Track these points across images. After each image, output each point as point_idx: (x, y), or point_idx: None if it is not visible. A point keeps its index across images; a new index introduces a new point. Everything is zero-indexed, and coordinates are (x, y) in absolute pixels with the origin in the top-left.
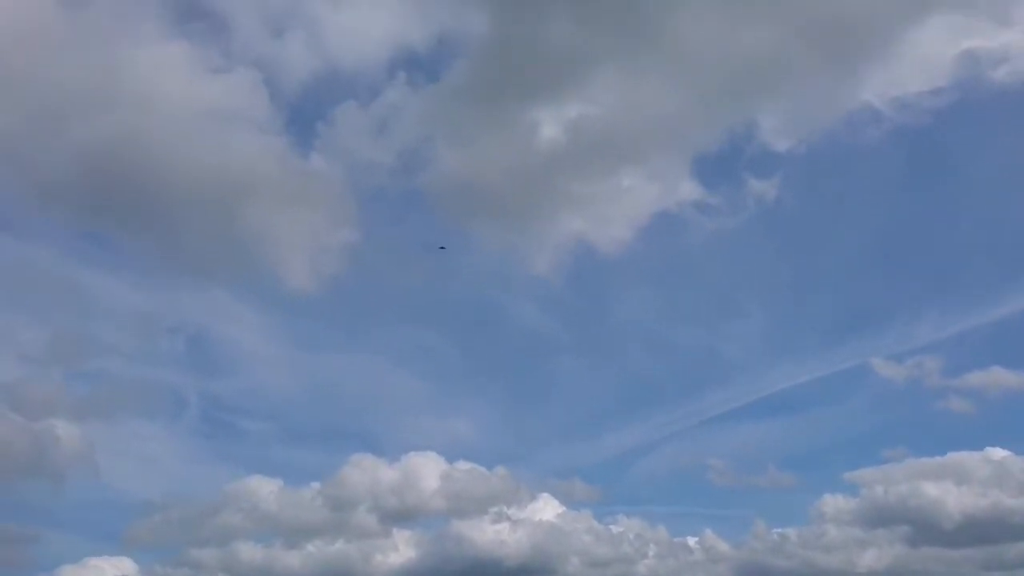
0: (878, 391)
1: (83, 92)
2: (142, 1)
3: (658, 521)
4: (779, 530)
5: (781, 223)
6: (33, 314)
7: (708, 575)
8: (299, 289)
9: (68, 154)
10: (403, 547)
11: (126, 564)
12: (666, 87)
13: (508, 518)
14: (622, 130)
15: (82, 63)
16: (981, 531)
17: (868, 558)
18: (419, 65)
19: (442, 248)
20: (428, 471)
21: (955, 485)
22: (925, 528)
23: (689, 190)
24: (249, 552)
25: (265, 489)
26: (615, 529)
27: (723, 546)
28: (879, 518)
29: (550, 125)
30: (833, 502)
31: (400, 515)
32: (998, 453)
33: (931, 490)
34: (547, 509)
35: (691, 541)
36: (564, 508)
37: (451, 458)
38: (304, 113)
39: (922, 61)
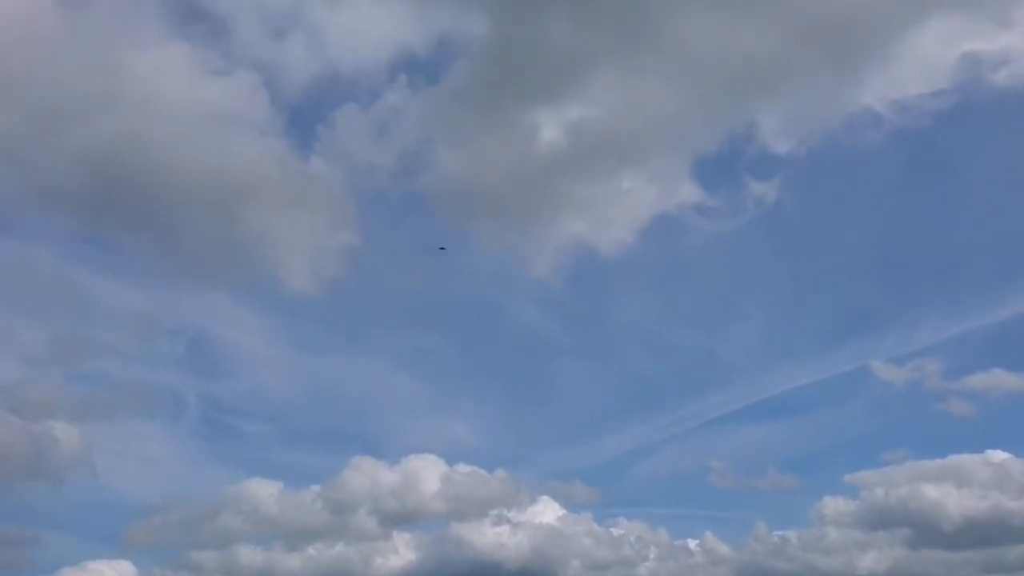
0: (878, 393)
1: (83, 93)
2: (142, 3)
3: (659, 523)
4: (780, 532)
5: (781, 225)
6: (32, 315)
7: None
8: (299, 291)
9: (68, 155)
10: (403, 550)
11: (125, 567)
12: (666, 89)
13: (508, 521)
14: (622, 132)
15: (82, 64)
16: (982, 533)
17: (868, 560)
18: (419, 67)
19: (442, 248)
20: (428, 474)
21: (956, 487)
22: (926, 530)
23: (689, 192)
24: (249, 555)
25: (265, 492)
26: (616, 532)
27: (724, 548)
28: (879, 520)
29: (550, 127)
30: (833, 504)
31: (400, 518)
32: (999, 455)
33: (932, 492)
34: (547, 512)
35: (692, 543)
36: (564, 511)
37: (451, 461)
38: (304, 115)
39: (922, 63)
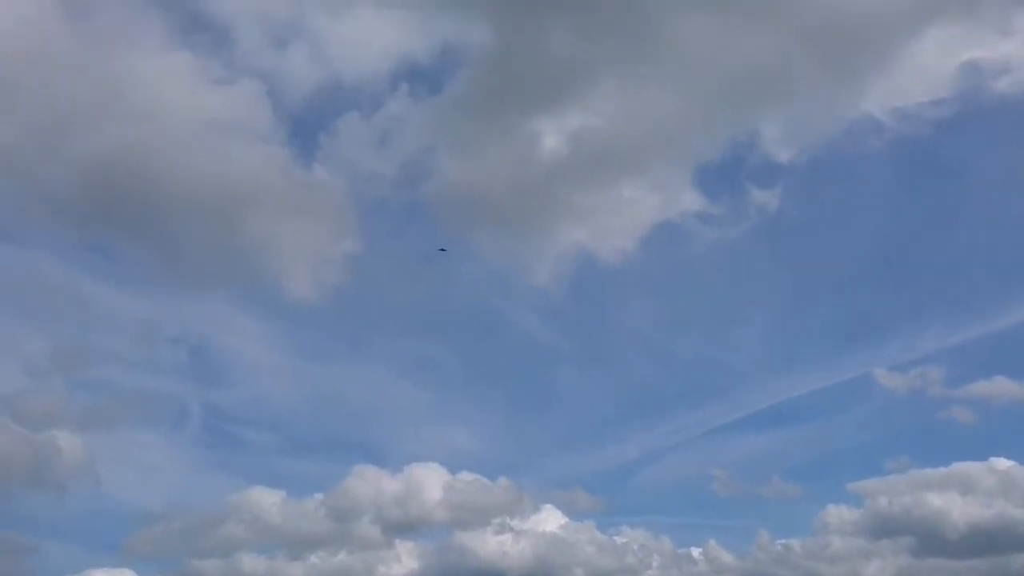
0: (881, 401)
1: (86, 102)
2: (146, 12)
3: (662, 532)
4: (783, 541)
5: (783, 233)
6: (35, 324)
7: None
8: (301, 299)
9: (72, 164)
10: (406, 558)
11: None
12: (667, 97)
13: (511, 529)
14: (623, 140)
15: (85, 74)
16: (986, 541)
17: (872, 569)
18: (421, 76)
19: (442, 250)
20: (431, 482)
21: (959, 495)
22: (930, 539)
23: (691, 200)
24: (251, 563)
25: (267, 500)
26: (619, 540)
27: (727, 557)
28: (883, 529)
29: (551, 136)
30: (837, 513)
31: (403, 526)
32: (1003, 463)
33: (935, 501)
34: (550, 520)
35: (695, 552)
36: (567, 519)
37: (454, 469)
38: (307, 124)
39: (923, 72)
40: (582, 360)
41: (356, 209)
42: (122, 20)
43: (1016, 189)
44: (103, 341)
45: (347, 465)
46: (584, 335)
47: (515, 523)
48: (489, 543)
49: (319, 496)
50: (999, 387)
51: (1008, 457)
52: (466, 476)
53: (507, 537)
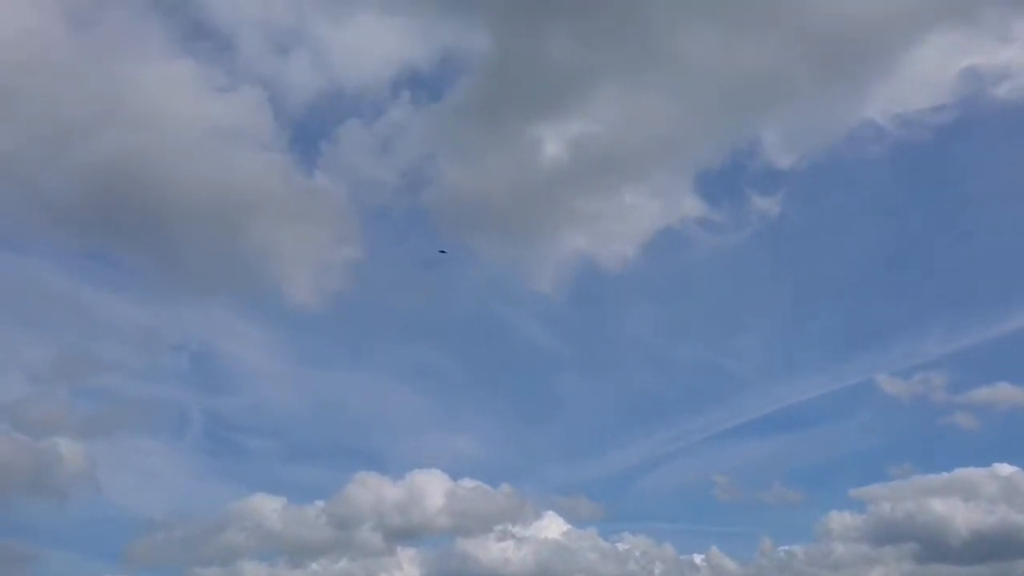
0: (883, 407)
1: (88, 110)
2: (148, 20)
3: (664, 538)
4: (786, 547)
5: (784, 239)
6: (36, 332)
7: None
8: (303, 306)
9: (73, 172)
10: (408, 566)
11: None
12: (668, 104)
13: (513, 536)
14: (624, 147)
15: (87, 81)
16: (989, 547)
17: (876, 575)
18: (422, 84)
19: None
20: (432, 489)
21: (962, 501)
22: (933, 545)
23: (692, 206)
24: (253, 571)
25: (269, 507)
26: (621, 547)
27: (730, 564)
28: (886, 535)
29: (552, 142)
30: (840, 519)
31: (405, 533)
32: (1005, 469)
33: (938, 507)
34: (552, 527)
35: (697, 559)
36: (569, 526)
37: (455, 476)
38: (308, 131)
39: (924, 78)
40: (583, 366)
41: (357, 216)
42: (124, 28)
43: (1017, 194)
44: (104, 348)
45: (348, 472)
46: (585, 341)
47: (517, 530)
48: (491, 550)
49: (320, 503)
50: (1002, 393)
51: (1011, 463)
52: (468, 483)
53: (509, 544)
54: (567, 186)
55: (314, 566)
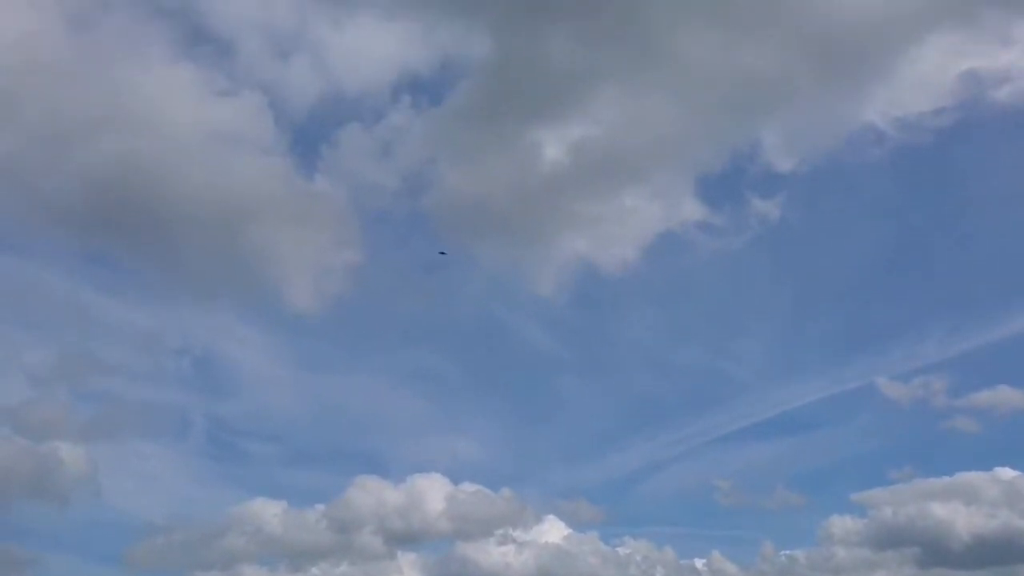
0: (884, 411)
1: (90, 114)
2: (148, 24)
3: (665, 543)
4: (787, 552)
5: (785, 242)
6: (38, 335)
7: None
8: (303, 310)
9: (74, 175)
10: (408, 570)
11: None
12: (668, 107)
13: (514, 540)
14: (625, 150)
15: (89, 85)
16: (991, 552)
17: None
18: (423, 88)
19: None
20: (433, 493)
21: (964, 505)
22: (935, 549)
23: (692, 210)
24: (253, 575)
25: (269, 511)
26: (622, 551)
27: (731, 568)
28: (888, 539)
29: (553, 146)
30: (841, 523)
31: (405, 537)
32: (1007, 473)
33: (940, 511)
34: (553, 531)
35: (699, 563)
36: (570, 530)
37: (456, 480)
38: (308, 135)
39: (924, 81)
40: (584, 370)
41: (358, 220)
42: (125, 31)
43: (1017, 197)
44: (105, 352)
45: (349, 476)
46: (586, 345)
47: (518, 534)
48: (492, 554)
49: (321, 507)
50: (1002, 396)
51: (1013, 467)
52: (468, 487)
53: (510, 548)
54: (567, 189)
55: (314, 570)
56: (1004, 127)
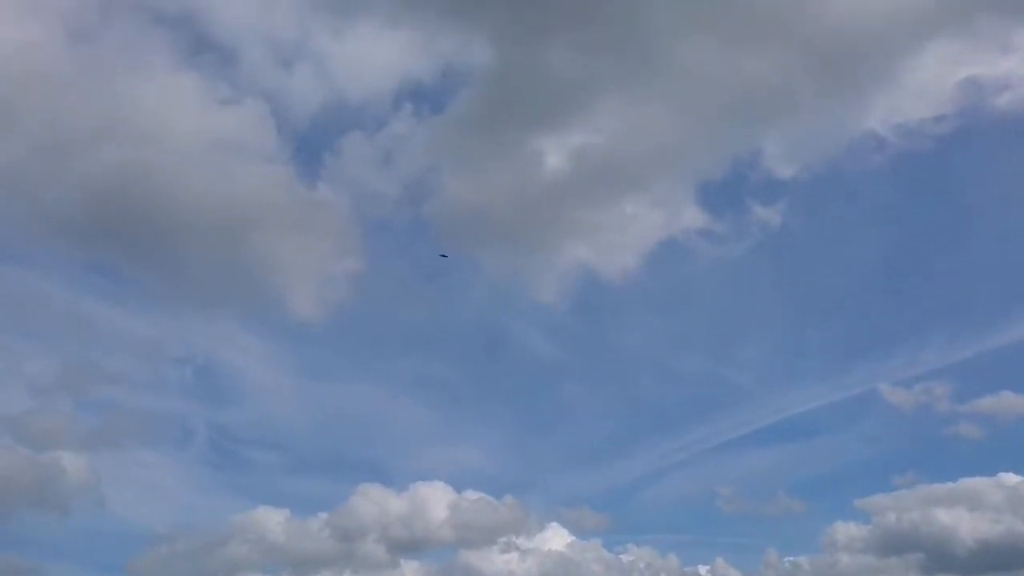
0: (887, 417)
1: (92, 123)
2: (151, 34)
3: (668, 550)
4: (791, 558)
5: (786, 249)
6: (40, 344)
7: None
8: (305, 318)
9: (77, 185)
10: None
11: None
12: (669, 115)
13: (517, 548)
14: (626, 158)
15: (92, 95)
16: (996, 557)
17: None
18: (425, 96)
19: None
20: (436, 501)
21: (968, 511)
22: (939, 555)
23: (694, 217)
24: None
25: (272, 520)
26: (625, 558)
27: (735, 575)
28: (892, 545)
29: (554, 153)
30: (845, 529)
31: (408, 545)
32: (1011, 479)
33: (944, 517)
34: (556, 538)
35: (702, 570)
36: (573, 537)
37: (459, 487)
38: (311, 143)
39: (924, 88)
40: (586, 377)
41: (360, 228)
42: (127, 41)
43: (1018, 203)
44: (107, 361)
45: (352, 484)
46: (588, 352)
47: (521, 541)
48: (495, 562)
49: (324, 515)
50: (1006, 402)
51: (1017, 472)
52: (471, 494)
53: (513, 556)
54: (569, 197)
55: None
56: (1004, 134)
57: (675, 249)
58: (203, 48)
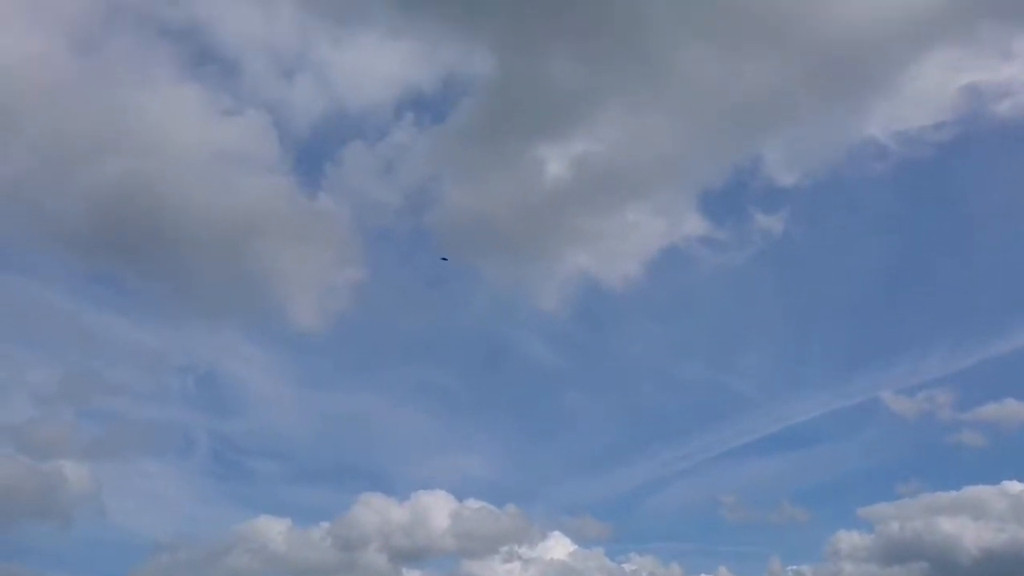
0: (890, 425)
1: (95, 134)
2: (154, 45)
3: (671, 559)
4: (794, 567)
5: (788, 257)
6: (42, 354)
7: None
8: (307, 327)
9: (79, 195)
10: None
11: None
12: (671, 123)
13: (519, 557)
14: (627, 166)
15: (94, 105)
16: (1000, 566)
17: None
18: (426, 105)
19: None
20: (438, 510)
21: (972, 520)
22: (943, 564)
23: (695, 225)
24: None
25: (274, 529)
26: (628, 567)
27: None
28: (896, 554)
29: (556, 162)
30: (848, 538)
31: (410, 555)
32: (1015, 487)
33: (947, 525)
34: (558, 547)
35: None
36: (576, 546)
37: (461, 496)
38: (312, 153)
39: (925, 95)
40: (588, 385)
41: (361, 237)
42: (130, 52)
43: (1020, 210)
44: (109, 371)
45: (353, 493)
46: (590, 360)
47: (523, 551)
48: (497, 571)
49: (325, 525)
50: (1009, 410)
51: (1020, 480)
52: (473, 503)
53: (515, 565)
54: (570, 205)
55: None
56: (1005, 141)
57: (677, 257)
58: (206, 59)
